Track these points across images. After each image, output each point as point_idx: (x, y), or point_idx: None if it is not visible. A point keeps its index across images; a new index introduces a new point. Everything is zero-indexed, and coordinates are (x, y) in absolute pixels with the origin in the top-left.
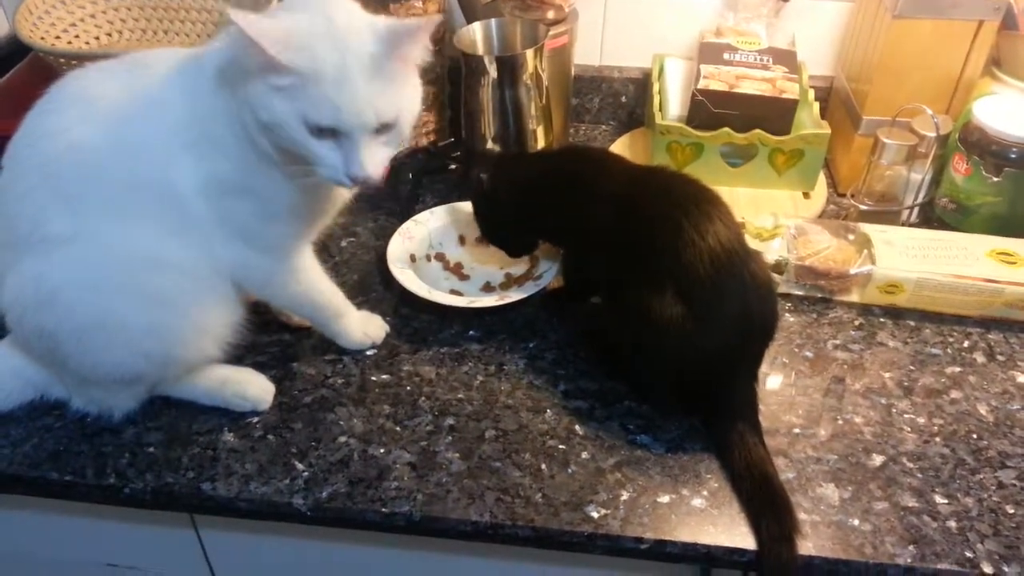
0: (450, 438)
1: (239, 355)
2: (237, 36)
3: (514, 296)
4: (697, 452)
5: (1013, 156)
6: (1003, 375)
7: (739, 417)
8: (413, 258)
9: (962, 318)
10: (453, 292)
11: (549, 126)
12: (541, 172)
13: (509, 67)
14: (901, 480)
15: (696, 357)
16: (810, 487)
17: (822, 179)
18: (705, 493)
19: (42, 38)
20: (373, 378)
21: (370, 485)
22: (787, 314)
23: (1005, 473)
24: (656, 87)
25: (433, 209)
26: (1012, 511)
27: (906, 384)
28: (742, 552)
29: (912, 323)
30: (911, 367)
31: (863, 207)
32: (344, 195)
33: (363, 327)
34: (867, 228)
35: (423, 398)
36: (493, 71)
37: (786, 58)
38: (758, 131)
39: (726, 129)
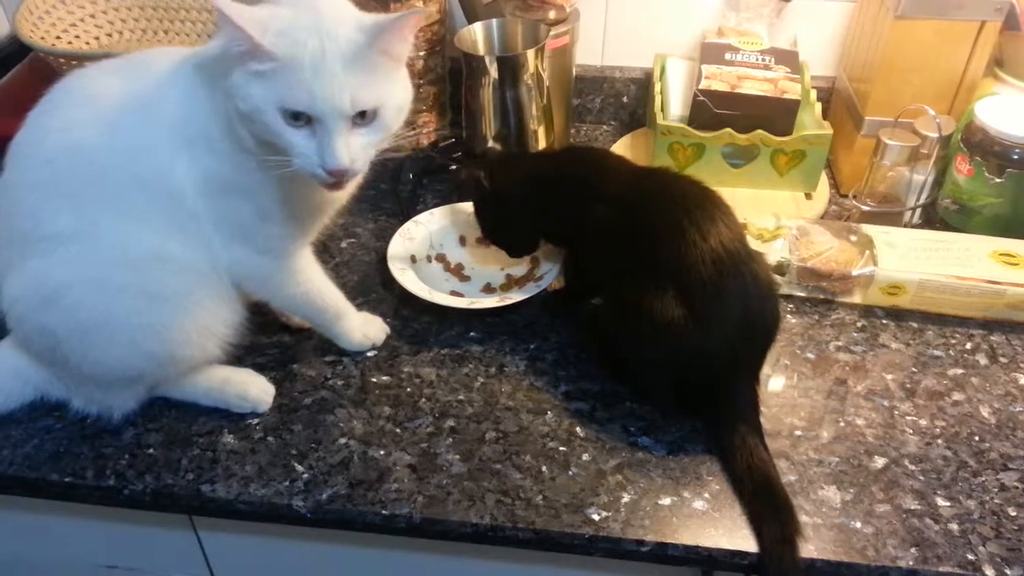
0: (450, 440)
1: (239, 356)
2: (221, 23)
3: (515, 297)
4: (698, 454)
5: (1016, 157)
6: (1005, 377)
7: (741, 419)
8: (414, 259)
9: (964, 320)
10: (454, 293)
11: (550, 126)
12: (543, 172)
13: (510, 67)
14: (903, 482)
15: (697, 358)
16: (812, 489)
17: (824, 180)
18: (707, 495)
19: (42, 38)
20: (373, 379)
21: (370, 487)
22: (789, 315)
23: (1007, 475)
24: (658, 87)
25: (434, 210)
26: (1014, 513)
27: (908, 386)
28: (744, 555)
29: (914, 325)
30: (913, 369)
31: (865, 208)
32: (337, 195)
33: (363, 329)
34: (869, 229)
35: (423, 400)
36: (494, 71)
37: (788, 58)
38: (760, 132)
39: (728, 130)
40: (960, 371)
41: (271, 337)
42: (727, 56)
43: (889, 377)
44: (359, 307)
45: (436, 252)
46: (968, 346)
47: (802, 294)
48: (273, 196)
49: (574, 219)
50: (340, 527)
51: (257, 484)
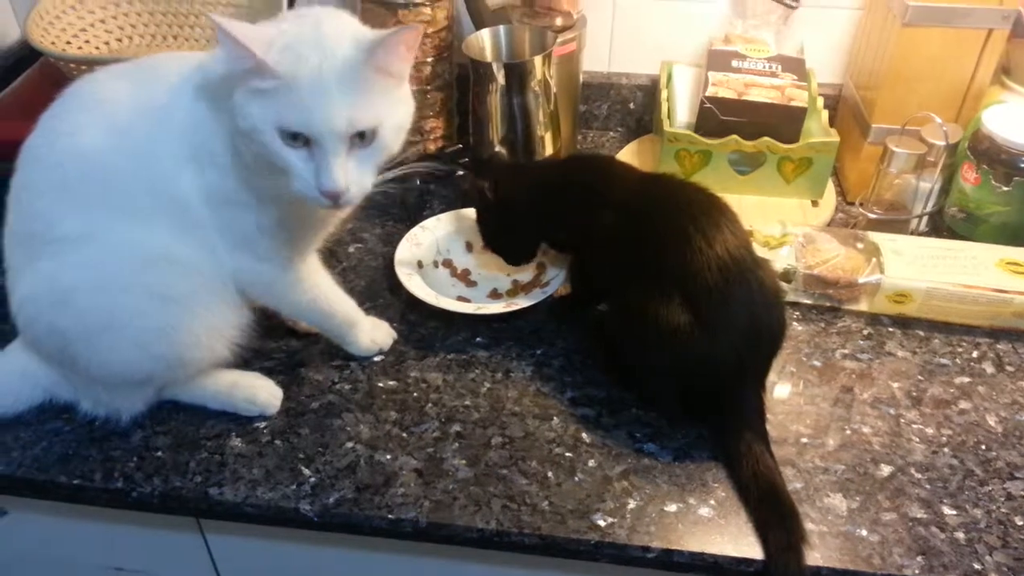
0: (457, 445)
1: (247, 359)
2: (223, 42)
3: (521, 303)
4: (704, 461)
5: (1023, 165)
6: (1012, 386)
7: (747, 426)
8: (420, 264)
9: (971, 328)
10: (460, 299)
11: (557, 133)
12: (548, 180)
13: (517, 74)
14: (909, 491)
15: (703, 365)
16: (818, 497)
17: (831, 187)
18: (712, 502)
19: (52, 43)
20: (380, 384)
21: (377, 491)
22: (795, 323)
23: (1014, 484)
24: (664, 94)
25: (440, 215)
26: (1021, 523)
27: (915, 394)
28: (749, 562)
29: (921, 333)
30: (920, 377)
31: (872, 216)
32: (336, 213)
33: (371, 334)
34: (876, 237)
35: (430, 404)
36: (501, 78)
37: (795, 66)
38: (766, 139)
39: (734, 137)
40: (967, 379)
41: (278, 341)
42: (734, 63)
43: (895, 385)
44: (366, 311)
45: (443, 257)
46: (975, 355)
47: (808, 301)
48: (273, 213)
49: (580, 226)
50: (346, 531)
51: (264, 487)
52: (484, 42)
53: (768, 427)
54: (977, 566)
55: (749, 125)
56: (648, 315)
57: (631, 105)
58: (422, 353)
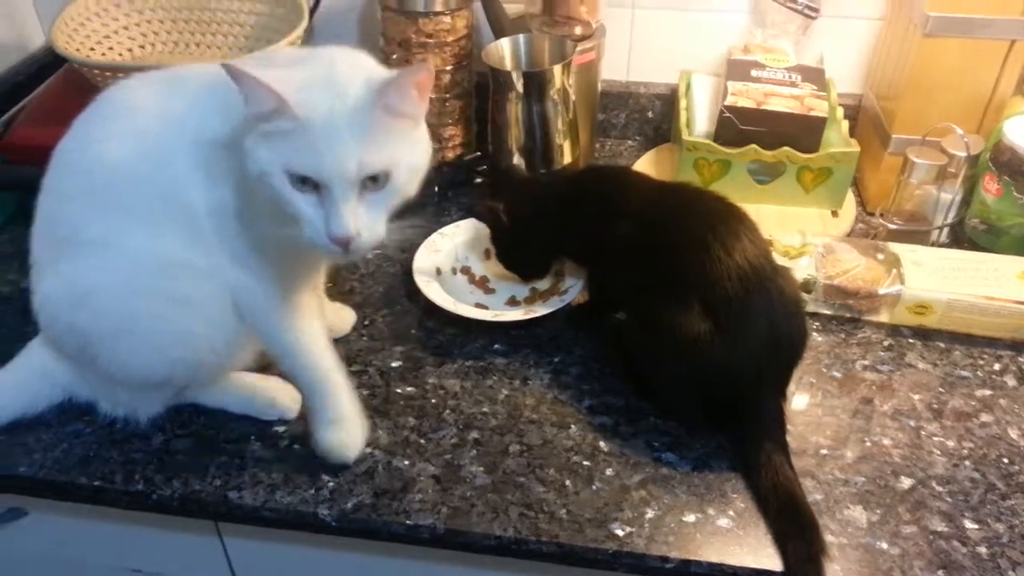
0: (474, 452)
1: (266, 364)
2: (244, 87)
3: (539, 311)
4: (723, 471)
5: None
6: None
7: (766, 436)
8: (439, 271)
9: (993, 340)
10: (478, 305)
11: (576, 141)
12: (563, 193)
13: (537, 82)
14: (930, 504)
15: (723, 374)
16: (838, 509)
17: (850, 197)
18: (731, 513)
19: (77, 50)
20: (398, 390)
21: (394, 497)
22: (815, 333)
23: None
24: (683, 103)
25: (459, 222)
26: None
27: (935, 406)
28: (768, 573)
29: (942, 345)
30: (940, 389)
31: (892, 226)
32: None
33: (345, 429)
34: (896, 248)
35: (448, 411)
36: (521, 86)
37: (814, 75)
38: (786, 148)
39: (754, 146)
40: (988, 392)
41: None
42: (753, 73)
43: (916, 397)
44: (384, 318)
45: (461, 264)
46: (996, 367)
47: (828, 312)
48: (272, 245)
49: (598, 237)
50: (364, 536)
51: (283, 491)
52: (504, 51)
53: (788, 438)
54: None
55: (768, 135)
56: (667, 324)
57: (649, 114)
58: (440, 360)
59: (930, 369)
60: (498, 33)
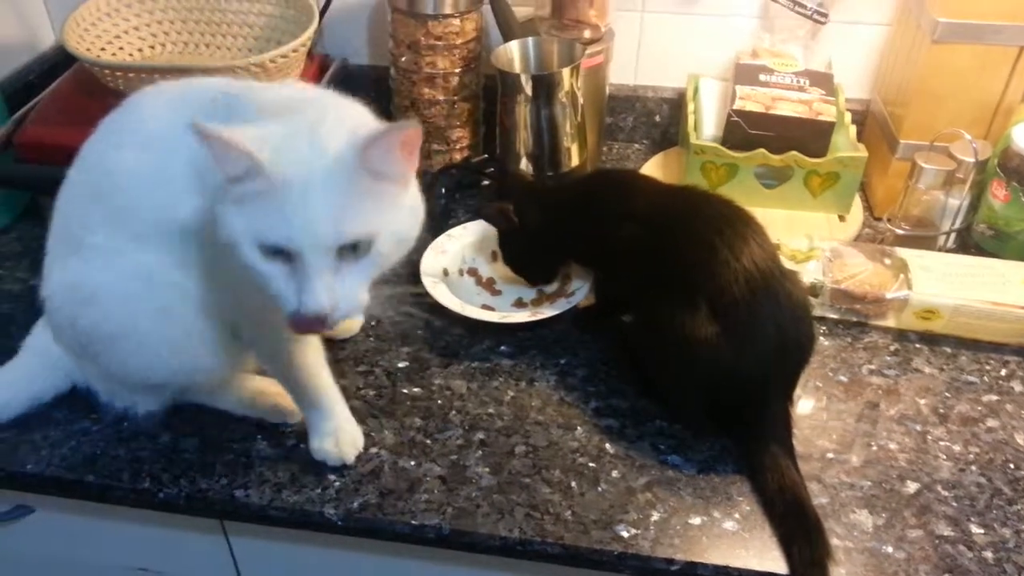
0: (480, 452)
1: None
2: (212, 148)
3: (546, 312)
4: (729, 474)
5: None
6: None
7: (772, 439)
8: (446, 272)
9: (999, 346)
10: (485, 307)
11: (583, 144)
12: (572, 197)
13: (545, 85)
14: (936, 508)
15: (729, 377)
16: (843, 513)
17: (857, 202)
18: (737, 516)
19: (88, 49)
20: (404, 391)
21: (400, 497)
22: (822, 338)
23: None
24: (691, 107)
25: (466, 224)
26: None
27: (941, 411)
28: None
29: (948, 350)
30: (947, 394)
31: (899, 231)
32: None
33: (338, 437)
34: (904, 253)
35: (454, 412)
36: (529, 89)
37: (823, 80)
38: (794, 153)
39: (761, 150)
40: (994, 397)
41: None
42: (761, 77)
43: (922, 402)
44: (390, 319)
45: (468, 266)
46: (1003, 372)
47: (835, 316)
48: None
49: (606, 240)
50: (370, 536)
51: (289, 491)
52: (513, 53)
53: (794, 441)
54: None
55: (776, 139)
56: (674, 327)
57: (656, 118)
58: (446, 361)
59: (936, 374)
60: (507, 36)
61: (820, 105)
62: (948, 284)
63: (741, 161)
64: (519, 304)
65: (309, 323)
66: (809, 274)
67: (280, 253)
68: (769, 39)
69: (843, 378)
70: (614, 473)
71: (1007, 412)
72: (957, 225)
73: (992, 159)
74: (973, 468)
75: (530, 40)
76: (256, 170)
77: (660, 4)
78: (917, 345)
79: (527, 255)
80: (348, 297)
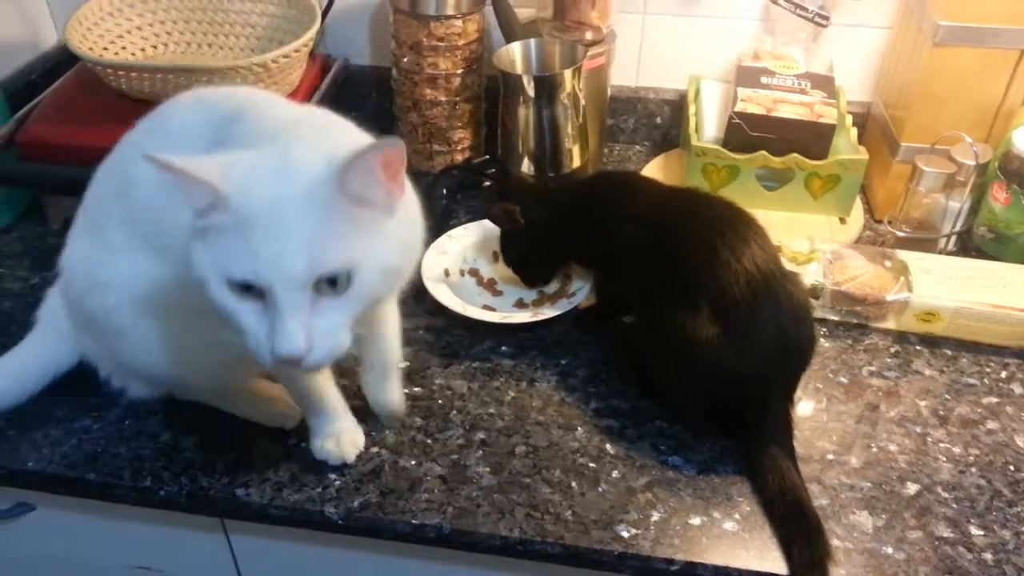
0: (481, 452)
1: None
2: (175, 182)
3: (547, 313)
4: (729, 475)
5: None
6: None
7: (773, 441)
8: (447, 273)
9: (999, 348)
10: (486, 307)
11: (585, 145)
12: (575, 198)
13: (547, 86)
14: (936, 510)
15: (730, 378)
16: (843, 514)
17: (858, 205)
18: (737, 516)
19: (91, 49)
20: (405, 391)
21: (401, 496)
22: (822, 339)
23: None
24: (692, 109)
25: (467, 225)
26: None
27: (941, 413)
28: None
29: (949, 352)
30: (947, 396)
31: (900, 234)
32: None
33: (340, 437)
34: (904, 255)
35: (454, 412)
36: (531, 90)
37: (824, 83)
38: (795, 155)
39: (762, 152)
40: (994, 400)
41: None
42: (763, 79)
43: (922, 404)
44: None
45: (469, 266)
46: (1003, 375)
47: (835, 318)
48: None
49: (608, 242)
50: (370, 535)
51: (290, 489)
52: (515, 55)
53: (794, 443)
54: None
55: (777, 141)
56: (675, 328)
57: (658, 120)
58: (447, 361)
59: (937, 376)
60: (509, 37)
61: (821, 108)
62: (948, 286)
63: (742, 163)
64: (520, 305)
65: (284, 366)
66: (810, 276)
67: (251, 290)
68: (770, 41)
69: (843, 380)
70: (614, 473)
71: (1007, 414)
72: (958, 228)
73: (993, 162)
74: (973, 470)
75: (532, 41)
76: (220, 201)
77: (662, 6)
78: (917, 347)
79: (531, 256)
80: (327, 337)
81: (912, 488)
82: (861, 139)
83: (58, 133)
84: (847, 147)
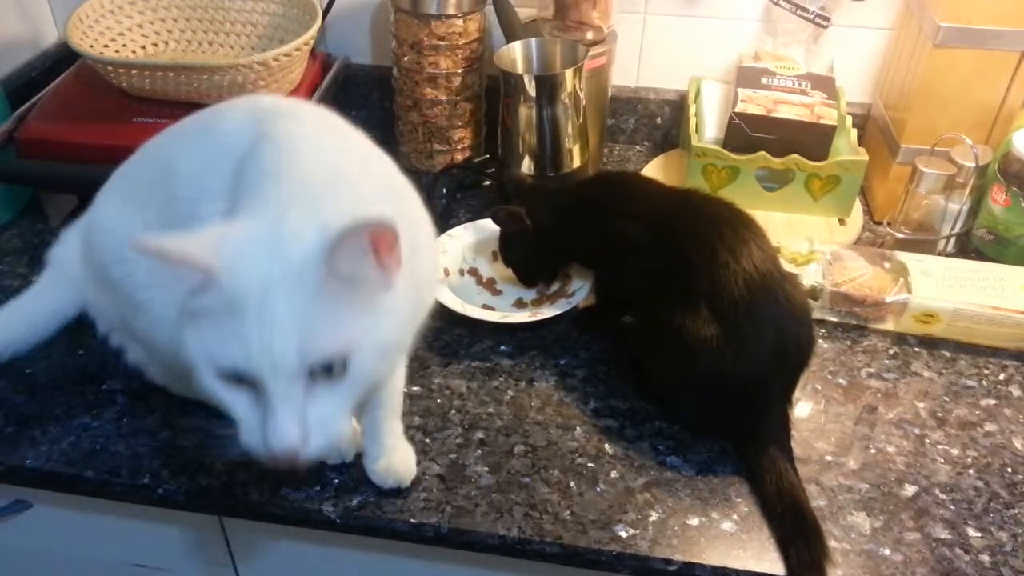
0: (479, 452)
1: None
2: (162, 266)
3: (546, 313)
4: (727, 475)
5: None
6: None
7: (771, 442)
8: (447, 272)
9: (998, 350)
10: (485, 307)
11: (585, 145)
12: (575, 199)
13: (548, 86)
14: (933, 511)
15: (729, 378)
16: (841, 515)
17: (858, 206)
18: (735, 517)
19: (91, 46)
20: (404, 389)
21: (399, 495)
22: (821, 340)
23: None
24: (692, 109)
25: (467, 224)
26: None
27: (940, 415)
28: None
29: (947, 354)
30: (945, 398)
31: (899, 235)
32: None
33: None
34: (903, 256)
35: (453, 411)
36: (532, 90)
37: (824, 84)
38: (795, 156)
39: (763, 153)
40: (993, 402)
41: None
42: (763, 80)
43: (921, 405)
44: None
45: (469, 266)
46: (1001, 377)
47: (834, 319)
48: None
49: (607, 242)
50: (368, 534)
51: (288, 488)
52: (516, 54)
53: (792, 444)
54: None
55: (778, 142)
56: (674, 329)
57: (658, 120)
58: (446, 360)
59: (935, 378)
60: (510, 37)
61: (821, 109)
62: (947, 288)
63: (742, 164)
64: (519, 304)
65: (278, 461)
66: (809, 277)
67: (242, 379)
68: (771, 42)
69: (842, 381)
70: (613, 473)
71: (1005, 416)
72: (957, 229)
73: (992, 164)
74: (971, 472)
75: (533, 41)
76: (211, 281)
77: (663, 6)
78: (916, 349)
79: (534, 257)
80: (324, 427)
81: (910, 490)
82: (861, 140)
83: (58, 130)
84: (847, 148)
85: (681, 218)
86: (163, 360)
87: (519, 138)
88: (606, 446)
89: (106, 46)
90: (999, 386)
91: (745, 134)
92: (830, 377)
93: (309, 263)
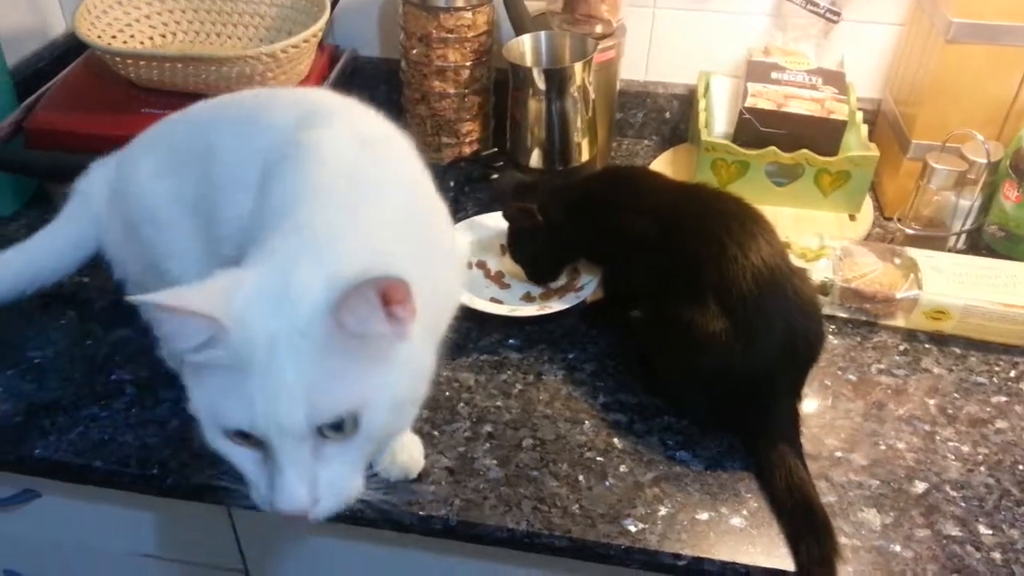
0: (488, 445)
1: None
2: (164, 320)
3: (554, 307)
4: (737, 471)
5: None
6: None
7: (781, 437)
8: None
9: (1009, 347)
10: (493, 300)
11: (594, 139)
12: (583, 194)
13: (557, 79)
14: (944, 508)
15: (738, 374)
16: (851, 511)
17: (868, 202)
18: (745, 512)
19: (99, 37)
20: None
21: (408, 488)
22: (831, 336)
23: None
24: (702, 104)
25: (475, 218)
26: None
27: (950, 412)
28: (781, 573)
29: (958, 350)
30: (956, 395)
31: (910, 231)
32: None
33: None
34: (914, 253)
35: (462, 404)
36: (541, 83)
37: (835, 79)
38: (805, 151)
39: (772, 148)
40: (1004, 399)
41: None
42: (773, 75)
43: (931, 402)
44: None
45: (477, 259)
46: (1012, 374)
47: (845, 315)
48: None
49: (616, 237)
50: (376, 526)
51: None
52: (524, 47)
53: (802, 440)
54: None
55: (788, 137)
56: (682, 323)
57: (667, 114)
58: (455, 353)
59: (945, 374)
60: (519, 30)
61: (832, 104)
62: (958, 285)
63: (752, 159)
64: (527, 298)
65: (287, 519)
66: (819, 272)
67: (249, 437)
68: (781, 37)
69: (852, 377)
70: (622, 468)
71: (1016, 413)
72: (968, 226)
73: (1004, 160)
74: (982, 469)
75: (542, 34)
76: (219, 335)
77: (672, 0)
78: (926, 345)
79: (545, 254)
80: (334, 487)
81: (920, 486)
82: (871, 136)
83: (66, 121)
84: (857, 144)
85: (689, 213)
86: None
87: (528, 131)
88: (615, 440)
89: (114, 37)
90: (1010, 383)
91: (755, 129)
92: (840, 373)
93: (316, 318)
